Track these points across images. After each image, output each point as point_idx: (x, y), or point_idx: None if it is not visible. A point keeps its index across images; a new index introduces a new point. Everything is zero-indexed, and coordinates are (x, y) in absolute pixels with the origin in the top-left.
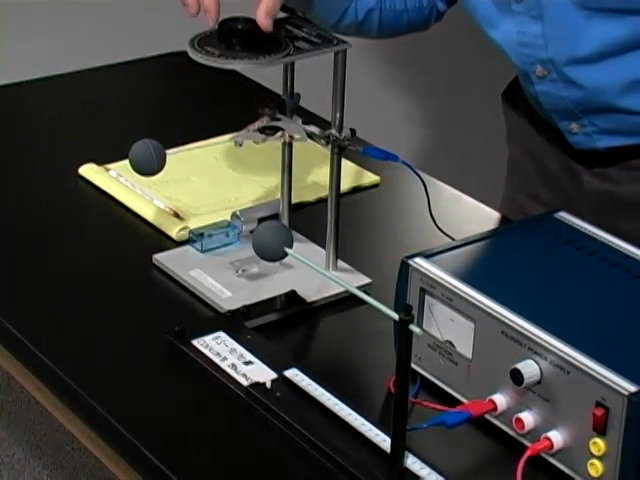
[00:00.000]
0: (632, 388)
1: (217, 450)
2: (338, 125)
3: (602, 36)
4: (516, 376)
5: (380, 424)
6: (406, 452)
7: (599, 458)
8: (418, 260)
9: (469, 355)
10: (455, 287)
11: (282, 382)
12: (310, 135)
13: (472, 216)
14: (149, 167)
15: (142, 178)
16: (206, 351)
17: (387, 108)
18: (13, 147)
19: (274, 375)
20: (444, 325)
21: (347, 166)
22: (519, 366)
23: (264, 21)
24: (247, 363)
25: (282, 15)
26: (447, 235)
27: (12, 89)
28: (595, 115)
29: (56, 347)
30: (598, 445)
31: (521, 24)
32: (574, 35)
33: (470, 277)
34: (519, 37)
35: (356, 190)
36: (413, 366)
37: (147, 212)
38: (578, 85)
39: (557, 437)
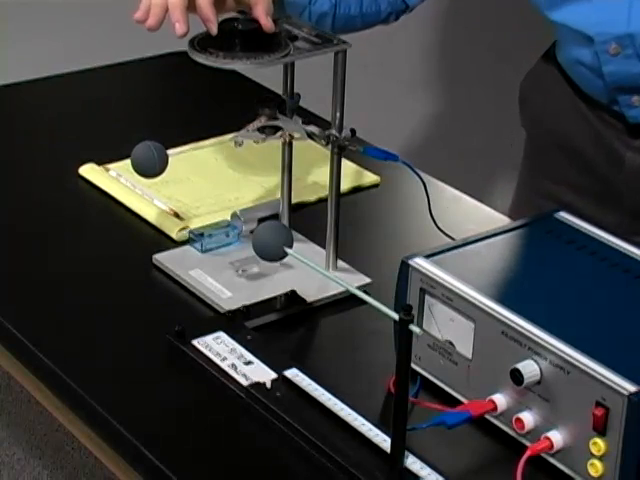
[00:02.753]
0: (632, 388)
1: (217, 450)
2: (338, 125)
3: None
4: (516, 376)
5: (380, 424)
6: (406, 452)
7: (599, 458)
8: (418, 260)
9: (469, 355)
10: (455, 287)
11: (282, 382)
12: (310, 135)
13: (472, 216)
14: (151, 169)
15: (142, 178)
16: (206, 351)
17: (387, 108)
18: (13, 147)
19: (274, 375)
20: (444, 325)
21: (347, 166)
22: (519, 366)
23: (267, 22)
24: (247, 363)
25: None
26: (447, 235)
27: (12, 89)
28: None
29: (56, 347)
30: (598, 445)
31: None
32: None
33: (470, 277)
34: (595, 15)
35: (356, 190)
36: (413, 366)
37: (147, 212)
38: None
39: (557, 437)
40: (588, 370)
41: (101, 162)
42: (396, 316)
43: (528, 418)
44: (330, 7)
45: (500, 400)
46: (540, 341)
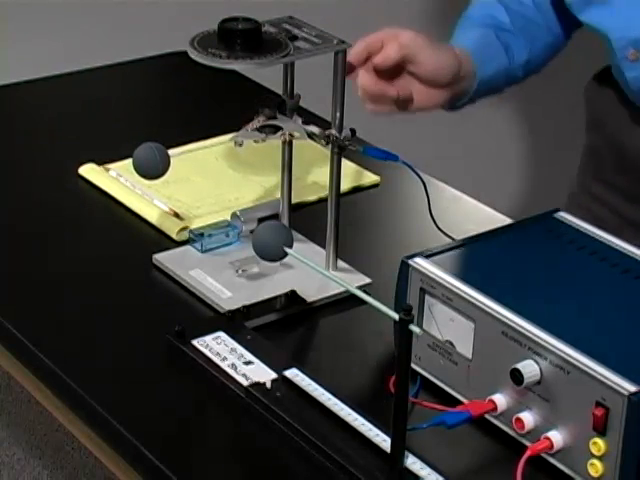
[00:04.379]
0: (632, 388)
1: (217, 450)
2: (338, 125)
3: None
4: (516, 376)
5: (380, 424)
6: (406, 452)
7: (599, 458)
8: (418, 260)
9: (469, 355)
10: (455, 287)
11: (282, 382)
12: (310, 135)
13: (472, 216)
14: (153, 170)
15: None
16: (206, 351)
17: None
18: (13, 147)
19: (274, 375)
20: (444, 325)
21: (347, 166)
22: (519, 366)
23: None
24: (247, 363)
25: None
26: (447, 235)
27: (12, 89)
28: None
29: (56, 347)
30: (598, 445)
31: (614, 4)
32: None
33: (470, 277)
34: (615, 19)
35: (356, 190)
36: (413, 366)
37: (147, 212)
38: None
39: (557, 437)
40: (588, 370)
41: (101, 162)
42: (396, 316)
43: (528, 418)
44: (526, 53)
45: (500, 400)
46: (540, 341)
